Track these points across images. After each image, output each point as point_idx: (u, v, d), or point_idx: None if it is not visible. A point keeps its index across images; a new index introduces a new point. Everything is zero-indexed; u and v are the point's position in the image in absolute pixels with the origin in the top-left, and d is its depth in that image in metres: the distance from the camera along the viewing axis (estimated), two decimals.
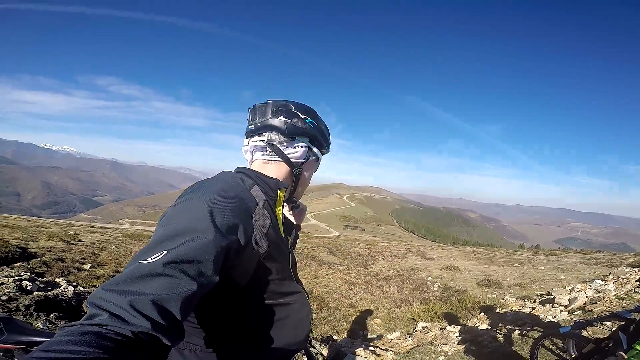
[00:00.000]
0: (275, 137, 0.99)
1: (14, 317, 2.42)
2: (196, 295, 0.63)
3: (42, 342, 1.29)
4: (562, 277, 8.53)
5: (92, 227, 17.58)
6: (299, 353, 1.10)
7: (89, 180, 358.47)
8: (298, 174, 1.02)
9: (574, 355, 2.67)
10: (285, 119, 0.99)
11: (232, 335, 0.89)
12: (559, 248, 26.16)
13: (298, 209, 1.23)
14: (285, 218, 1.05)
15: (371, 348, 4.31)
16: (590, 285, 5.34)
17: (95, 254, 8.51)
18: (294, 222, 1.18)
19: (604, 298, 4.33)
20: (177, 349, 0.89)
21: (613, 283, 5.25)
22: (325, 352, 4.05)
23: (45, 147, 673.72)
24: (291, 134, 0.99)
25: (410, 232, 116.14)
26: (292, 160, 1.00)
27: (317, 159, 1.10)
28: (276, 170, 0.99)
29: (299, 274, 1.10)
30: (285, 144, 0.99)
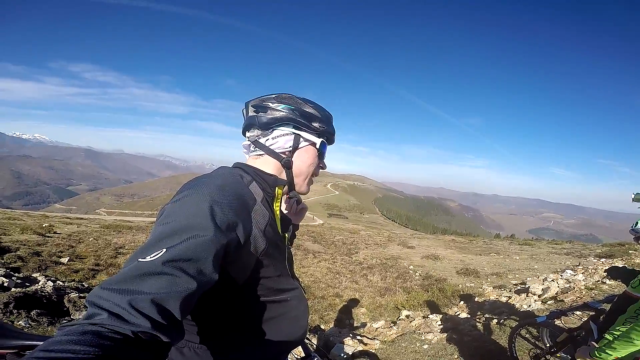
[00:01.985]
0: (254, 132, 1.00)
1: (2, 320, 2.33)
2: (196, 294, 0.63)
3: (33, 345, 1.27)
4: (536, 266, 8.98)
5: (68, 218, 16.96)
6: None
7: (62, 169, 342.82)
8: (286, 163, 0.98)
9: (548, 344, 2.85)
10: (257, 114, 0.99)
11: (231, 332, 0.90)
12: (532, 238, 27.41)
13: (299, 206, 1.22)
14: (282, 215, 1.04)
15: (358, 337, 4.43)
16: (561, 276, 5.66)
17: (72, 247, 8.24)
18: (292, 221, 1.16)
19: (574, 288, 4.61)
20: (176, 348, 0.89)
21: (582, 273, 5.57)
22: (314, 341, 4.14)
23: (14, 135, 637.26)
24: (266, 126, 0.97)
25: (392, 220, 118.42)
26: (276, 151, 0.98)
27: (313, 144, 1.01)
28: (265, 163, 0.98)
29: (294, 268, 1.10)
30: (263, 137, 0.98)
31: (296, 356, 1.87)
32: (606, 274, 4.88)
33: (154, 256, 0.61)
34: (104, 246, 8.87)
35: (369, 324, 5.53)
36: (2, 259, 5.39)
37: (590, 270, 5.82)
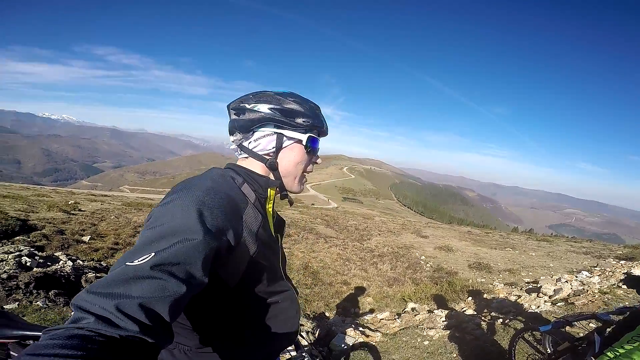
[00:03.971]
0: (237, 136, 0.98)
1: (6, 310, 2.49)
2: (185, 298, 0.63)
3: (35, 335, 1.34)
4: (551, 265, 8.73)
5: (93, 195, 17.75)
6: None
7: (89, 147, 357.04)
8: (271, 165, 0.95)
9: (549, 351, 2.80)
10: (238, 116, 0.97)
11: (222, 334, 0.91)
12: (552, 234, 26.56)
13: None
14: (275, 216, 1.04)
15: (360, 328, 4.50)
16: (576, 277, 5.48)
17: (94, 225, 8.63)
18: (284, 220, 1.16)
19: (587, 291, 4.46)
20: (167, 350, 0.91)
21: (599, 276, 5.38)
22: (312, 327, 4.23)
23: (44, 116, 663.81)
24: (247, 129, 0.95)
25: (408, 207, 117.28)
26: (259, 153, 0.96)
27: (299, 142, 0.97)
28: (254, 167, 0.97)
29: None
30: (245, 140, 0.97)
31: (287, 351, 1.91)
32: (625, 276, 4.69)
33: (142, 260, 0.61)
34: (124, 224, 9.23)
35: (373, 314, 5.60)
36: (28, 237, 5.73)
37: (607, 273, 5.61)
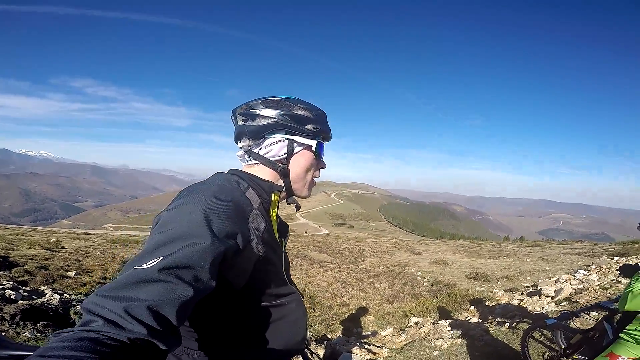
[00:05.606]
0: (247, 142, 0.97)
1: None
2: (192, 301, 0.63)
3: (26, 356, 1.25)
4: (547, 268, 8.81)
5: (75, 233, 17.07)
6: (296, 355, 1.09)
7: (69, 186, 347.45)
8: (283, 171, 0.95)
9: (563, 346, 2.76)
10: (246, 122, 0.96)
11: (229, 338, 0.89)
12: (543, 239, 26.99)
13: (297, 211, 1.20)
14: (279, 220, 1.03)
15: (366, 346, 4.34)
16: (574, 276, 5.53)
17: (79, 261, 8.26)
18: (288, 225, 1.14)
19: (588, 288, 4.49)
20: (174, 354, 0.88)
21: (596, 273, 5.45)
22: (320, 352, 4.06)
23: (21, 152, 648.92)
24: (258, 135, 0.94)
25: (399, 227, 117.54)
26: (271, 159, 0.95)
27: (309, 148, 0.97)
28: (261, 171, 0.96)
29: (290, 274, 1.08)
30: (255, 146, 0.96)
31: None
32: (619, 272, 4.76)
33: (150, 264, 0.61)
34: (110, 260, 8.89)
35: (377, 332, 5.43)
36: (10, 273, 5.41)
37: (604, 270, 5.68)
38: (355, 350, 4.10)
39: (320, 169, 1.06)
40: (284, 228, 1.07)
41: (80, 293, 5.08)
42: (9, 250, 8.00)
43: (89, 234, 17.98)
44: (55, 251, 9.09)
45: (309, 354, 1.17)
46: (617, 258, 7.77)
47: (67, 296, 4.35)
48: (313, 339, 5.29)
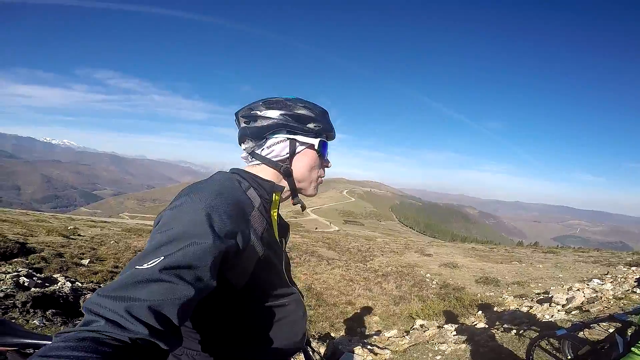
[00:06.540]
0: (249, 144, 0.97)
1: (5, 318, 2.41)
2: (194, 301, 0.63)
3: (34, 344, 1.28)
4: (560, 275, 8.56)
5: (92, 221, 17.61)
6: (296, 353, 1.09)
7: (89, 174, 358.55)
8: (286, 172, 0.96)
9: (569, 357, 2.68)
10: (248, 124, 0.96)
11: (229, 338, 0.89)
12: (558, 246, 26.26)
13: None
14: (279, 220, 1.03)
15: (369, 346, 4.33)
16: (588, 285, 5.36)
17: (94, 249, 8.52)
18: (288, 224, 1.14)
19: (601, 298, 4.34)
20: (174, 355, 0.89)
21: (611, 282, 5.26)
22: (322, 350, 4.07)
23: (45, 141, 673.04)
24: (260, 136, 0.95)
25: (410, 227, 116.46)
26: (273, 160, 0.95)
27: (311, 147, 0.97)
28: (263, 171, 0.96)
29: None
30: (258, 147, 0.96)
31: None
32: (637, 283, 4.58)
33: (151, 263, 0.61)
34: (124, 249, 9.13)
35: (381, 333, 5.41)
36: (27, 260, 5.64)
37: (619, 280, 5.48)
38: (358, 350, 4.09)
39: (325, 168, 1.05)
40: (284, 228, 1.07)
41: (92, 281, 5.24)
42: (27, 236, 8.31)
43: (105, 222, 18.53)
44: (72, 239, 9.39)
45: (310, 352, 1.17)
46: (634, 268, 7.48)
47: (79, 284, 4.49)
48: (316, 336, 5.31)
